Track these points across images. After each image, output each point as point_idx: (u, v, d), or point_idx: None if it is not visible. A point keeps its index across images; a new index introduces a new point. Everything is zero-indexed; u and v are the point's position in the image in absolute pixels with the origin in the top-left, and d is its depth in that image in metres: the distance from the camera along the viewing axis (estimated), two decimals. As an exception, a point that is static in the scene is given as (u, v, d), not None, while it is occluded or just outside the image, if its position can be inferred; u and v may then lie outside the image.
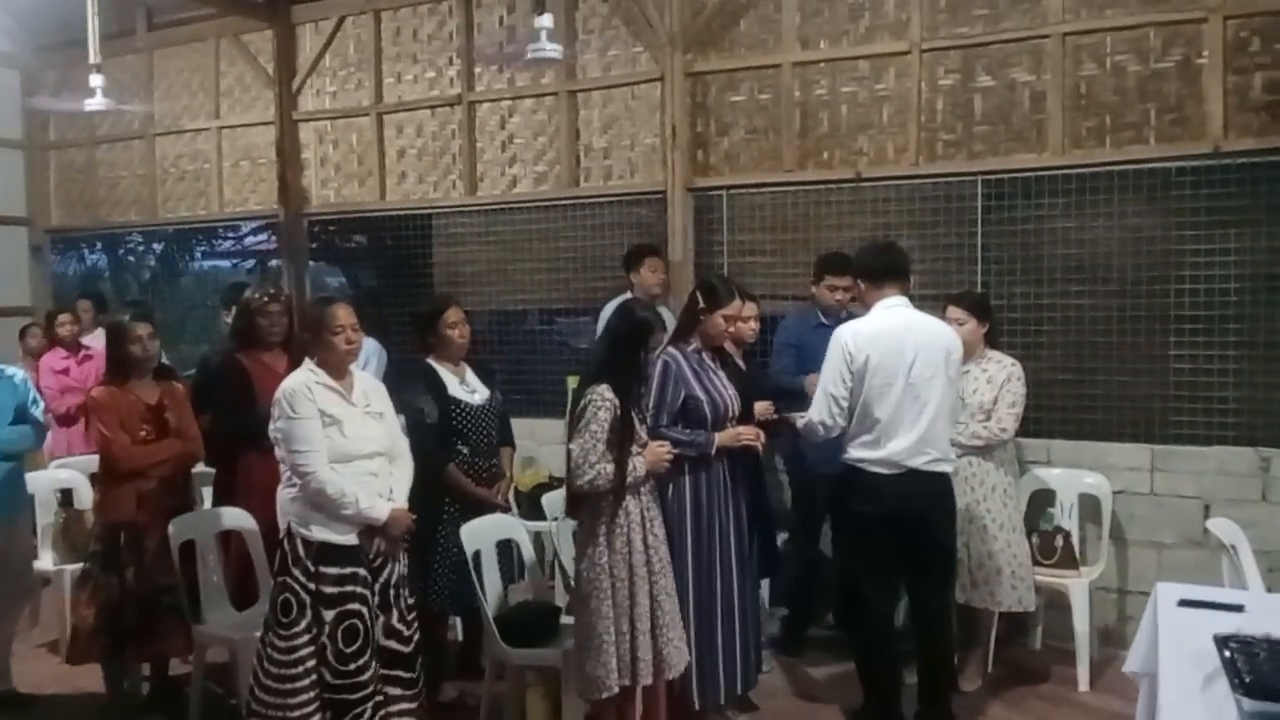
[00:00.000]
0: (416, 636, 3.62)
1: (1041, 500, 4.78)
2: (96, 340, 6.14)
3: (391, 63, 6.77)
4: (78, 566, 4.50)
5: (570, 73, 6.13)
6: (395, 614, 3.53)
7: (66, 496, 5.22)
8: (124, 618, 3.96)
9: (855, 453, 3.75)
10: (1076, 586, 4.44)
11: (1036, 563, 4.47)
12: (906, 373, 3.66)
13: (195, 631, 4.01)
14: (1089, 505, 4.73)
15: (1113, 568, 4.76)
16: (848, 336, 3.73)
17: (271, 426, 3.44)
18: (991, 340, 4.50)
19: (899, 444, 3.66)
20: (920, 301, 4.37)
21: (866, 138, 5.38)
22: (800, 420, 3.93)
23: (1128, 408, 4.83)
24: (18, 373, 4.43)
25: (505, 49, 6.28)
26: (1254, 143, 4.56)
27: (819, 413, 3.77)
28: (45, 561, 4.97)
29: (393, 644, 3.51)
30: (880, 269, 3.83)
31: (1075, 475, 4.77)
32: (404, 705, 3.55)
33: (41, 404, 4.48)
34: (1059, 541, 4.53)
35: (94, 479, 4.58)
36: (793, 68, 5.51)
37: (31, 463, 4.79)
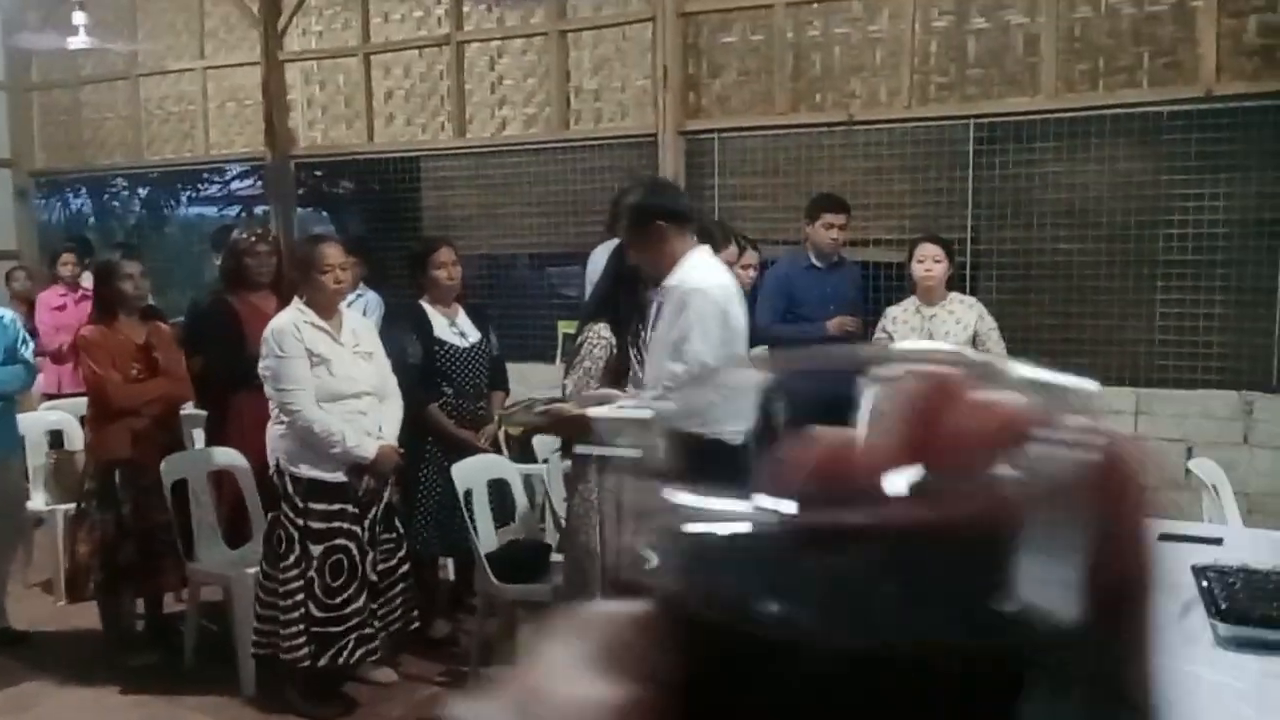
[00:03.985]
0: (403, 568, 3.69)
1: (1026, 442, 4.83)
2: (90, 283, 6.13)
3: (379, 1, 6.67)
4: (71, 506, 4.54)
5: (561, 12, 6.05)
6: (381, 548, 3.62)
7: (56, 438, 5.23)
8: (121, 554, 4.00)
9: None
10: (1059, 527, 4.50)
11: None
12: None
13: (189, 569, 4.05)
14: (1073, 448, 4.77)
15: (1095, 509, 4.82)
16: (719, 295, 2.99)
17: (260, 365, 3.47)
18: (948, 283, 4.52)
19: None
20: (905, 246, 4.41)
21: (859, 80, 5.34)
22: None
23: (1114, 351, 4.87)
24: (6, 313, 4.42)
25: (495, -13, 6.20)
26: (1246, 87, 4.55)
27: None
28: (38, 502, 4.99)
29: (375, 578, 3.60)
30: (689, 211, 3.18)
31: (1060, 418, 4.80)
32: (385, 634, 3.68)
33: (32, 345, 4.48)
34: (1043, 482, 4.59)
35: (84, 421, 4.60)
36: (785, 8, 5.45)
37: (23, 402, 4.79)
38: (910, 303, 4.49)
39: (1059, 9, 4.86)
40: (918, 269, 4.41)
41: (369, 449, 3.45)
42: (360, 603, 3.53)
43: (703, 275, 3.02)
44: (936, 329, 4.38)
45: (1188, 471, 4.42)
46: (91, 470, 4.09)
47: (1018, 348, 4.55)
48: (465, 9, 6.38)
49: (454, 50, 6.39)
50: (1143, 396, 4.76)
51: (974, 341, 4.34)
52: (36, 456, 5.07)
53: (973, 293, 4.68)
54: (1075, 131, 4.86)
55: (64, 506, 4.80)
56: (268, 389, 3.46)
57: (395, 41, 6.62)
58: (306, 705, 3.67)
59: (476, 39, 6.36)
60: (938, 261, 4.34)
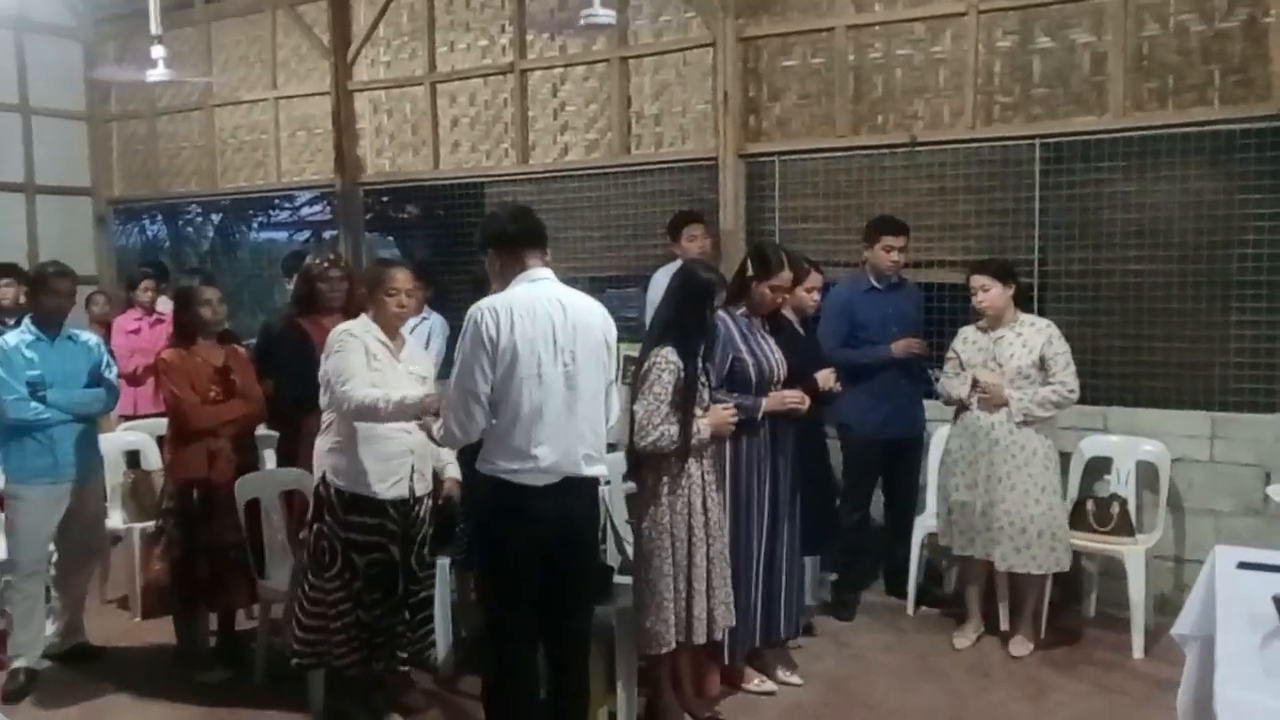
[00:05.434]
0: (430, 595, 3.81)
1: (1098, 467, 4.75)
2: (165, 307, 6.31)
3: (445, 31, 6.81)
4: (147, 525, 4.67)
5: (622, 39, 6.12)
6: (420, 581, 3.76)
7: (133, 458, 5.39)
8: (196, 572, 4.11)
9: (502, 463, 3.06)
10: (1132, 554, 4.41)
11: (1092, 529, 4.47)
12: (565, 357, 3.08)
13: (260, 587, 4.15)
14: (1146, 473, 4.68)
15: (1169, 536, 4.71)
16: (481, 315, 3.02)
17: (321, 370, 3.56)
18: (1020, 304, 4.47)
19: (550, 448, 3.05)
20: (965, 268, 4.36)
21: (922, 101, 5.31)
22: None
23: (1187, 375, 4.76)
24: (91, 337, 4.57)
25: (557, 16, 6.28)
26: (1322, 104, 4.45)
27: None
28: (115, 520, 5.14)
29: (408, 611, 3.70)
30: (521, 235, 3.18)
31: (1133, 443, 4.72)
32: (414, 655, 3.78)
33: (115, 368, 4.62)
34: (1115, 509, 4.50)
35: (161, 441, 4.73)
36: (846, 31, 5.45)
37: (101, 423, 4.94)
38: (984, 323, 4.45)
39: (1126, 27, 4.79)
40: (972, 298, 4.39)
41: (413, 398, 3.36)
42: (396, 614, 3.63)
43: (489, 298, 3.09)
44: (1002, 352, 4.34)
45: (1266, 498, 4.31)
46: (170, 489, 4.20)
47: (1087, 371, 4.47)
48: (529, 38, 6.49)
49: (518, 78, 6.50)
50: (1218, 421, 4.64)
51: (1041, 364, 4.28)
52: (114, 476, 5.22)
53: (1040, 315, 4.62)
54: (1144, 151, 4.78)
55: (140, 525, 4.94)
56: (324, 398, 3.54)
57: (461, 70, 6.75)
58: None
59: (539, 67, 6.46)
60: (986, 290, 4.32)
